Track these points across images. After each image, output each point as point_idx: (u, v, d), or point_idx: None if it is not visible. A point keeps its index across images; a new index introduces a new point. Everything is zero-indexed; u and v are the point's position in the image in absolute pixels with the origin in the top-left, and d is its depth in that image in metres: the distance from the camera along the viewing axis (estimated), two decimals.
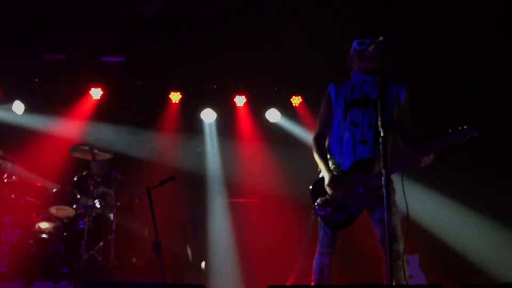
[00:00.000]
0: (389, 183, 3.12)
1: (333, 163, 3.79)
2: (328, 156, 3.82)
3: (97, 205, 6.07)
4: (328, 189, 3.65)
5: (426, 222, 6.25)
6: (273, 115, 7.62)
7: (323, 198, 3.66)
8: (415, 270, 5.89)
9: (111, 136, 7.33)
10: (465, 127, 3.41)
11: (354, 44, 3.73)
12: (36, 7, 6.23)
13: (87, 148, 6.06)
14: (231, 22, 6.48)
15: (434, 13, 5.99)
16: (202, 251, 6.67)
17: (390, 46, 3.31)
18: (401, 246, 3.52)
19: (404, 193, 3.38)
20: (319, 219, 3.73)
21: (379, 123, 3.14)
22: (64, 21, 6.38)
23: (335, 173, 3.71)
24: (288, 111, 7.60)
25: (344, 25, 5.93)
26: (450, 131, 3.45)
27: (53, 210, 5.87)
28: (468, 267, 6.15)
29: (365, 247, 4.14)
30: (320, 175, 3.81)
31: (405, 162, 3.53)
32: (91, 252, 5.77)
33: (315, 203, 3.69)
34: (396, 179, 3.63)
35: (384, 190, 3.07)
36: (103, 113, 7.49)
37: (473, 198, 6.33)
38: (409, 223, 3.46)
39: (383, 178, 3.08)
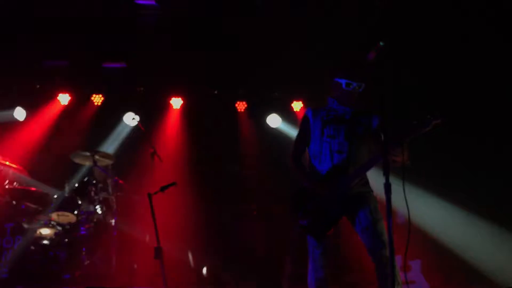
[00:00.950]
0: (389, 187, 3.14)
1: (313, 174, 3.85)
2: (308, 170, 3.90)
3: (99, 211, 6.07)
4: (318, 191, 3.70)
5: (427, 227, 6.24)
6: (274, 120, 7.63)
7: (304, 208, 3.69)
8: (417, 276, 5.88)
9: (112, 142, 7.35)
10: (429, 116, 3.50)
11: (341, 81, 3.83)
12: (37, 13, 6.26)
13: (88, 154, 6.06)
14: (230, 27, 6.50)
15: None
16: (203, 257, 6.67)
17: (390, 52, 3.34)
18: (387, 252, 3.47)
19: (405, 198, 3.38)
20: (304, 232, 3.73)
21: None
22: (65, 27, 6.39)
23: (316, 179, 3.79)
24: (289, 116, 7.61)
25: (346, 31, 5.95)
26: (415, 121, 3.54)
27: (54, 216, 5.87)
28: (470, 272, 6.12)
29: (364, 252, 4.12)
30: (299, 187, 3.86)
31: (376, 158, 3.60)
32: (93, 258, 5.77)
33: (298, 214, 3.70)
34: (397, 183, 3.63)
35: (385, 195, 3.09)
36: (104, 119, 7.51)
37: (476, 203, 6.32)
38: (410, 228, 3.45)
39: (383, 183, 3.10)
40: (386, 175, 3.12)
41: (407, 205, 3.39)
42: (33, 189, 6.18)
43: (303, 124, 3.98)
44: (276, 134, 7.62)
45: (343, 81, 3.82)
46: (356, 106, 3.86)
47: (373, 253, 3.59)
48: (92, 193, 6.09)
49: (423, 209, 5.88)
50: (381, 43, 3.40)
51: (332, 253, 3.77)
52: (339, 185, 3.67)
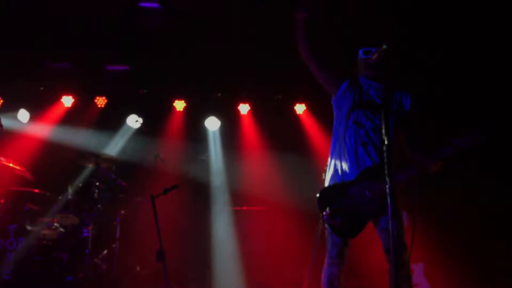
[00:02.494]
0: (393, 191, 3.10)
1: (334, 170, 3.77)
2: (331, 160, 3.81)
3: (101, 213, 6.07)
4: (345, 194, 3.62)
5: (431, 230, 6.22)
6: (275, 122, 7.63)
7: (331, 207, 3.64)
8: (420, 279, 5.86)
9: (115, 144, 7.36)
10: (473, 133, 3.36)
11: (360, 52, 3.76)
12: (40, 15, 6.27)
13: (91, 156, 6.07)
14: (234, 30, 6.50)
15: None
16: (206, 259, 6.66)
17: (393, 54, 3.32)
18: (406, 255, 3.49)
19: (409, 201, 3.36)
20: (327, 228, 3.70)
21: (383, 131, 3.13)
22: (68, 30, 6.41)
23: (340, 179, 3.71)
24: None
25: (350, 32, 5.94)
26: (459, 137, 3.40)
27: (57, 218, 5.88)
28: (473, 275, 6.10)
29: (371, 257, 4.12)
30: (326, 184, 3.81)
31: (411, 172, 3.50)
32: (95, 260, 5.77)
33: (324, 212, 3.66)
34: (402, 186, 3.62)
35: (388, 198, 3.05)
36: (107, 121, 7.52)
37: (479, 206, 6.29)
38: (414, 231, 3.44)
39: (387, 186, 3.07)
40: (389, 178, 3.09)
41: (411, 208, 3.38)
42: (36, 191, 6.19)
43: (337, 78, 3.82)
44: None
45: (360, 52, 3.74)
46: (386, 79, 3.55)
47: (388, 255, 3.53)
48: (95, 195, 6.09)
49: (427, 212, 5.85)
50: (384, 46, 3.39)
51: (348, 255, 3.72)
52: (366, 194, 3.57)
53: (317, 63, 3.85)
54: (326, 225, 3.67)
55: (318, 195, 3.74)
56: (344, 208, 3.61)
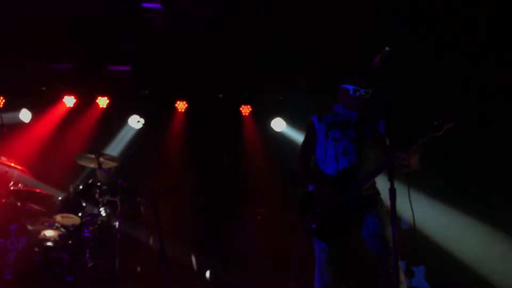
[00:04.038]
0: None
1: (318, 177, 3.84)
2: (314, 173, 3.90)
3: (103, 213, 6.07)
4: (326, 195, 3.67)
5: (432, 233, 6.22)
6: (278, 124, 7.63)
7: (313, 212, 3.66)
8: (421, 282, 5.85)
9: (117, 144, 7.37)
10: (440, 120, 3.38)
11: (348, 88, 3.82)
12: (43, 16, 6.28)
13: (93, 156, 6.07)
14: (236, 31, 6.50)
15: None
16: (207, 260, 6.66)
17: (396, 58, 3.33)
18: (392, 260, 3.45)
19: (410, 203, 3.36)
20: (312, 236, 3.71)
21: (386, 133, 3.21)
22: (71, 30, 6.42)
23: (321, 185, 3.77)
24: (293, 120, 7.61)
25: (352, 34, 5.94)
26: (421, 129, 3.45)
27: (58, 218, 5.88)
28: (475, 278, 6.09)
29: (368, 260, 4.08)
30: (308, 189, 3.85)
31: (386, 162, 3.45)
32: (96, 260, 5.77)
33: (306, 217, 3.69)
34: (401, 189, 3.61)
35: (390, 201, 3.07)
36: (109, 121, 7.53)
37: (481, 208, 6.27)
38: (416, 233, 3.44)
39: (389, 188, 3.08)
40: (391, 180, 3.10)
41: (412, 211, 3.38)
42: (37, 190, 6.20)
43: (309, 130, 3.99)
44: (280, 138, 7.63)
45: (350, 87, 3.80)
46: (363, 113, 3.83)
47: (379, 260, 3.57)
48: (97, 196, 6.09)
49: (427, 214, 5.85)
50: (387, 48, 3.39)
51: (340, 258, 3.72)
52: (347, 190, 3.64)
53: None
54: (309, 231, 3.68)
55: (299, 200, 3.79)
56: (325, 211, 3.63)
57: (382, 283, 3.56)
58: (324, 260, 3.68)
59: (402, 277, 3.50)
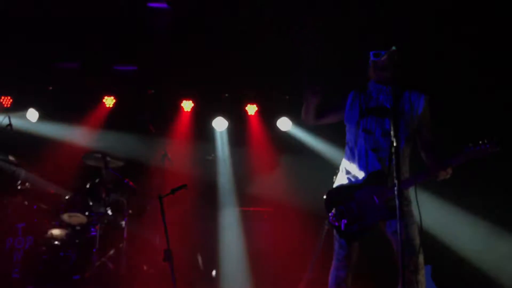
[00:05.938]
0: (403, 194, 3.07)
1: (344, 173, 3.77)
2: (343, 164, 3.81)
3: (109, 212, 6.09)
4: (353, 196, 3.60)
5: (439, 232, 6.19)
6: (284, 123, 7.62)
7: (338, 209, 3.62)
8: (427, 282, 5.82)
9: (124, 144, 7.38)
10: (486, 143, 3.31)
11: (370, 55, 3.69)
12: (49, 16, 6.30)
13: (99, 155, 6.10)
14: (242, 30, 6.50)
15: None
16: (213, 259, 6.66)
17: (403, 56, 3.30)
18: (419, 259, 3.43)
19: (417, 204, 3.34)
20: (334, 230, 3.68)
21: (392, 133, 3.12)
22: (77, 28, 6.44)
23: (349, 181, 3.70)
24: (299, 120, 7.58)
25: (359, 33, 5.91)
26: (471, 146, 3.35)
27: (65, 217, 5.90)
28: (482, 278, 6.06)
29: (379, 259, 4.08)
30: (335, 185, 3.80)
31: (421, 176, 3.45)
32: (103, 259, 5.79)
33: (330, 213, 3.64)
34: (410, 190, 3.60)
35: (396, 200, 3.03)
36: (115, 121, 7.55)
37: (487, 209, 6.25)
38: (422, 234, 3.42)
39: (395, 188, 3.06)
40: (398, 179, 3.07)
41: (419, 211, 3.36)
42: (44, 190, 6.23)
43: (341, 101, 3.82)
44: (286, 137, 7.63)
45: (371, 54, 3.64)
46: (397, 83, 3.44)
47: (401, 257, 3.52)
48: (103, 195, 6.11)
49: (434, 214, 5.82)
50: (393, 47, 3.37)
51: (357, 257, 3.68)
52: (375, 197, 3.53)
53: (322, 121, 3.94)
54: (332, 227, 3.66)
55: (325, 196, 3.73)
56: (350, 211, 3.59)
57: (400, 282, 3.51)
58: (342, 256, 3.65)
59: (423, 278, 3.46)
